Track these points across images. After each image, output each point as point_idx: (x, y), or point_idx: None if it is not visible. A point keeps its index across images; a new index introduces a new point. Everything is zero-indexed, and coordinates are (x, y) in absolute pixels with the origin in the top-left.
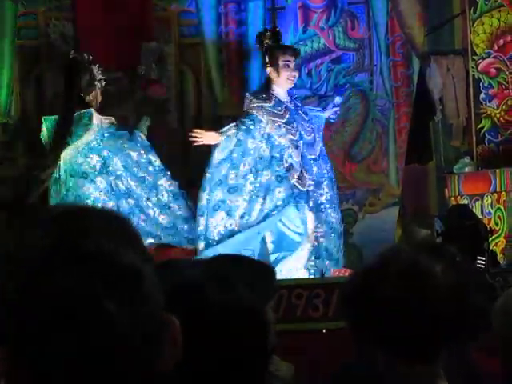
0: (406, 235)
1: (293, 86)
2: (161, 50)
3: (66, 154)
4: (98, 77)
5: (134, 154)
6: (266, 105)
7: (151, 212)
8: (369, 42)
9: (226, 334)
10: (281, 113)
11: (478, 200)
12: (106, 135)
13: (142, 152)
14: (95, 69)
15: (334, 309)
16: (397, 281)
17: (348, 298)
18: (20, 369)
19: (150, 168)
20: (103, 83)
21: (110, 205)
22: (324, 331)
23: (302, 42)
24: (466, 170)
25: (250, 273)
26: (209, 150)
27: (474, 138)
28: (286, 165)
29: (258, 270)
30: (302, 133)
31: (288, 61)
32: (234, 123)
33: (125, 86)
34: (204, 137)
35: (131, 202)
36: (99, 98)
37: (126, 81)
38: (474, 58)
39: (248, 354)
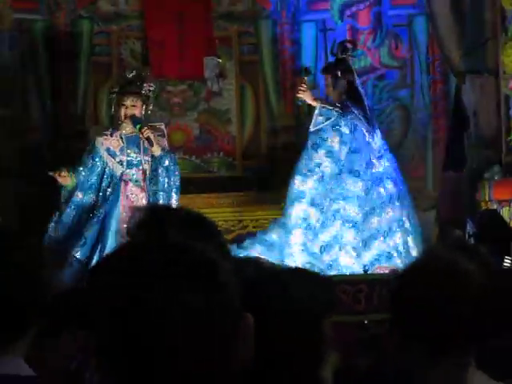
0: (442, 235)
1: None
2: (222, 66)
3: None
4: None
5: None
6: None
7: None
8: (410, 61)
9: (281, 337)
10: None
11: (506, 205)
12: None
13: None
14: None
15: (376, 302)
16: (437, 279)
17: (394, 295)
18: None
19: None
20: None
21: None
22: (366, 322)
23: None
24: (496, 177)
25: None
26: None
27: (504, 148)
28: None
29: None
30: None
31: None
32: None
33: (189, 98)
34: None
35: None
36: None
37: (190, 93)
38: (505, 77)
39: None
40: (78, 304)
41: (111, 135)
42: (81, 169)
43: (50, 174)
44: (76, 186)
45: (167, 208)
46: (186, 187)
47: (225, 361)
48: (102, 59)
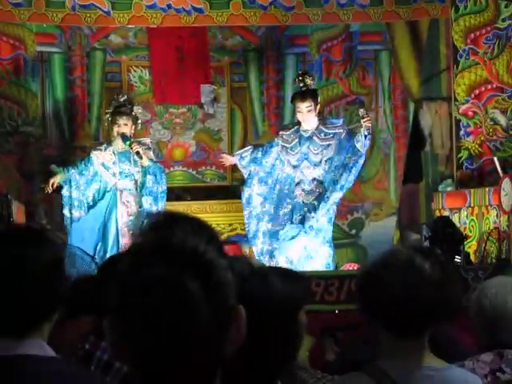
0: (402, 238)
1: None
2: (216, 91)
3: None
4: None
5: None
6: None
7: None
8: (375, 89)
9: (266, 325)
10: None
11: (456, 212)
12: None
13: None
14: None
15: (344, 294)
16: (396, 274)
17: (359, 288)
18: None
19: None
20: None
21: None
22: (336, 311)
23: (326, 88)
24: (448, 189)
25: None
26: None
27: (455, 164)
28: None
29: (293, 277)
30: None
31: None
32: None
33: (188, 119)
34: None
35: None
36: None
37: (189, 114)
38: (456, 103)
39: (281, 344)
40: (90, 292)
41: (105, 150)
42: (70, 167)
43: (42, 186)
44: (64, 182)
45: (177, 214)
46: (183, 195)
47: (221, 345)
48: (114, 84)
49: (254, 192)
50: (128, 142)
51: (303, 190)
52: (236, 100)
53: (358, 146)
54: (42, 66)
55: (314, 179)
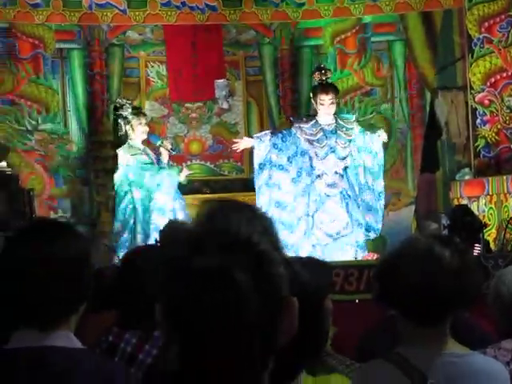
0: (420, 228)
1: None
2: (231, 86)
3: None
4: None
5: None
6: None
7: None
8: (391, 79)
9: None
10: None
11: (475, 201)
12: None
13: None
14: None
15: (364, 284)
16: (415, 263)
17: (378, 276)
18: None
19: None
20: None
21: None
22: (357, 301)
23: (340, 80)
24: (466, 177)
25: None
26: None
27: (472, 153)
28: None
29: (317, 265)
30: None
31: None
32: None
33: (204, 113)
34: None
35: None
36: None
37: (205, 109)
38: (472, 92)
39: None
40: (112, 285)
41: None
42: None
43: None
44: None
45: (233, 202)
46: (201, 189)
47: (273, 336)
48: (132, 80)
49: (272, 180)
50: (160, 141)
51: (325, 182)
52: (252, 93)
53: (375, 147)
54: (61, 63)
55: (336, 172)
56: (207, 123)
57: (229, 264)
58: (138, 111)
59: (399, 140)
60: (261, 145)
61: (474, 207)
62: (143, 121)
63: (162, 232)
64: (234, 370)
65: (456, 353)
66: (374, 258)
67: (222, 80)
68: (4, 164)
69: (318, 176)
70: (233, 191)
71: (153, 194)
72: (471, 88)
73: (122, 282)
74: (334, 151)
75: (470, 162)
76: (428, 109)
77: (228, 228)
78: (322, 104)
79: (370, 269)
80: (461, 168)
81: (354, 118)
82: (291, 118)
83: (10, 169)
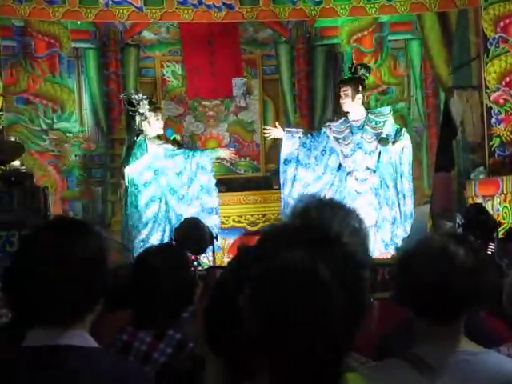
0: (435, 226)
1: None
2: (248, 84)
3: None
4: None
5: None
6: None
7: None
8: (407, 78)
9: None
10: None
11: (489, 200)
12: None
13: None
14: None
15: (379, 283)
16: (429, 262)
17: (394, 275)
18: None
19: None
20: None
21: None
22: (372, 299)
23: None
24: (481, 176)
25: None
26: None
27: (487, 152)
28: None
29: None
30: None
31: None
32: None
33: (221, 111)
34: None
35: None
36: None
37: (222, 107)
38: (487, 91)
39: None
40: (127, 284)
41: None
42: None
43: None
44: None
45: (328, 200)
46: (218, 187)
47: (351, 334)
48: (147, 79)
49: (297, 177)
50: (174, 136)
51: (356, 178)
52: (268, 92)
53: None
54: (77, 62)
55: (368, 168)
56: (224, 121)
57: (315, 260)
58: (154, 107)
59: (414, 139)
60: (289, 140)
61: (488, 206)
62: (160, 116)
63: (176, 230)
64: (315, 362)
65: (469, 351)
66: (389, 256)
67: (239, 78)
68: (18, 162)
69: (349, 173)
70: (249, 189)
71: (195, 176)
72: (486, 87)
73: (136, 281)
74: (360, 147)
75: (484, 161)
76: (443, 108)
77: (320, 224)
78: (339, 96)
79: (385, 267)
80: (475, 167)
81: (388, 111)
82: (327, 122)
83: (23, 167)
